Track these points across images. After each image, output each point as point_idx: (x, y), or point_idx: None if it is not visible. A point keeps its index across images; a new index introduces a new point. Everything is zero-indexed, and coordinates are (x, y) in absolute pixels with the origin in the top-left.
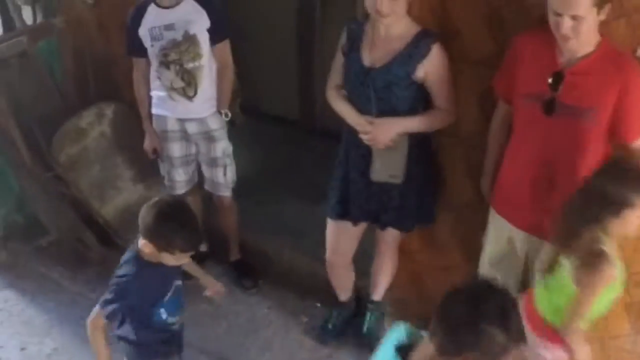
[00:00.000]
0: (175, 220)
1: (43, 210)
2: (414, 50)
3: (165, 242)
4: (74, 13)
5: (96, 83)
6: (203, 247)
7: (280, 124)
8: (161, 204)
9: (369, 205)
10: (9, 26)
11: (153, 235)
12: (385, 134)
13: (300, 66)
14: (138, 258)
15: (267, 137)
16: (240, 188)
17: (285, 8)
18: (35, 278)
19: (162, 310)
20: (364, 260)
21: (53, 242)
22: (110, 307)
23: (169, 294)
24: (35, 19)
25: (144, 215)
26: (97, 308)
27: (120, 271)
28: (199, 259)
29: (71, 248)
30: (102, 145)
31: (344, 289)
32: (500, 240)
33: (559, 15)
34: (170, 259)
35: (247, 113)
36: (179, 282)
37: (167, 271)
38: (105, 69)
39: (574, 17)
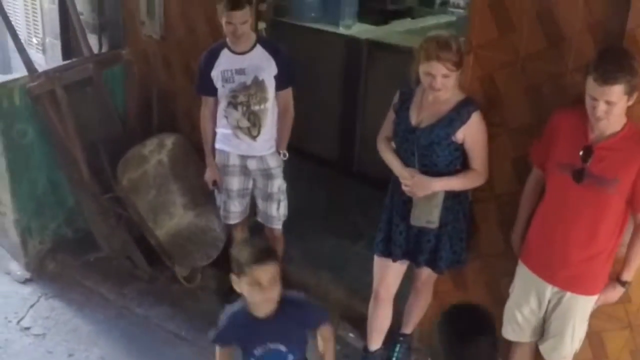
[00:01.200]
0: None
1: (97, 227)
2: (456, 116)
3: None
4: (140, 46)
5: (158, 114)
6: None
7: (320, 164)
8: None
9: (408, 246)
10: (67, 52)
11: (235, 261)
12: (422, 189)
13: (343, 112)
14: (245, 307)
15: (307, 175)
16: (284, 222)
17: (333, 55)
18: (82, 291)
19: None
20: (396, 300)
21: (101, 258)
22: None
23: (259, 351)
24: (100, 48)
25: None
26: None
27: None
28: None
29: (119, 265)
30: (160, 173)
31: (379, 331)
32: (525, 289)
33: (595, 99)
34: (242, 288)
35: (289, 151)
36: (280, 348)
37: (262, 328)
38: (166, 101)
39: (608, 102)
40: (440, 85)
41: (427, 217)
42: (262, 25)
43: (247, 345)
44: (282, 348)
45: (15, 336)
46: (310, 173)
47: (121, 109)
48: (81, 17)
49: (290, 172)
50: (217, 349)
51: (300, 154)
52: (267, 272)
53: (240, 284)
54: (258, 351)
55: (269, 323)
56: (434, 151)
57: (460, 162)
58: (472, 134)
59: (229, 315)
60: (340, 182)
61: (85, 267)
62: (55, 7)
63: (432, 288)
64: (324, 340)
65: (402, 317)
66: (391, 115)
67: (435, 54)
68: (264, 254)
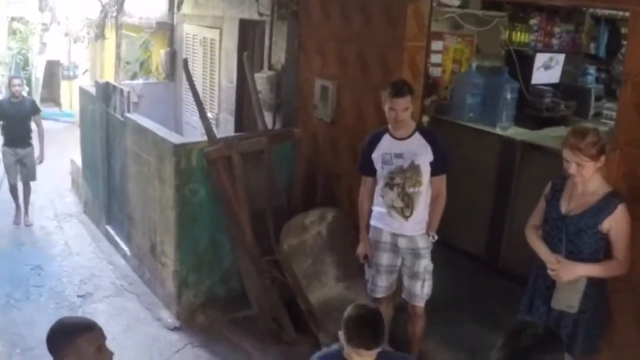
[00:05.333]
0: (363, 320)
1: (251, 287)
2: (604, 206)
3: (347, 334)
4: (311, 127)
5: (321, 190)
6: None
7: (466, 258)
8: (360, 305)
9: None
10: (239, 129)
11: (343, 325)
12: (568, 273)
13: (493, 209)
14: (339, 353)
15: (454, 266)
16: (427, 303)
17: (488, 153)
18: (227, 345)
19: None
20: None
21: (249, 317)
22: None
23: None
24: (274, 125)
25: (348, 309)
26: None
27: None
28: None
29: (265, 326)
30: (317, 243)
31: None
32: None
33: None
34: (351, 354)
35: (437, 242)
36: None
37: None
38: (330, 179)
39: None
40: (575, 171)
41: (568, 301)
42: (425, 119)
43: None
44: None
45: None
46: (457, 265)
47: (287, 182)
48: (259, 95)
49: (438, 261)
50: None
51: (448, 247)
52: (372, 355)
53: (346, 345)
54: None
55: None
56: (581, 238)
57: (603, 252)
58: (617, 224)
59: (321, 357)
60: (484, 275)
61: (233, 324)
62: (232, 86)
63: None
64: None
65: None
66: (542, 204)
67: (569, 142)
68: (374, 343)
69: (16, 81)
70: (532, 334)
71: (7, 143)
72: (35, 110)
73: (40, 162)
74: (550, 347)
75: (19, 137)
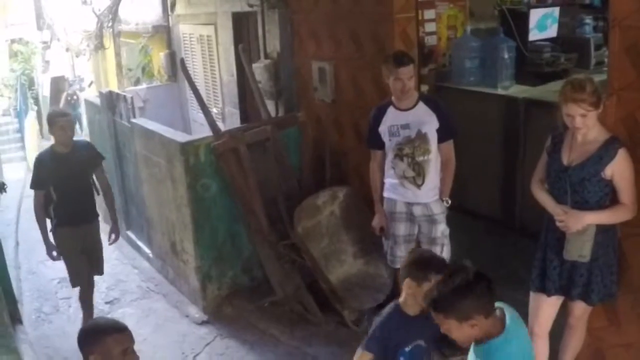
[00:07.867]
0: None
1: (273, 273)
2: (604, 153)
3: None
4: (313, 109)
5: (330, 170)
6: None
7: (482, 221)
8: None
9: (561, 281)
10: (245, 120)
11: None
12: (576, 223)
13: (504, 169)
14: (397, 307)
15: (471, 231)
16: None
17: (492, 114)
18: (255, 332)
19: (402, 359)
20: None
21: (274, 303)
22: (369, 342)
23: (409, 347)
24: (277, 112)
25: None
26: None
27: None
28: None
29: (291, 309)
30: (332, 223)
31: None
32: None
33: None
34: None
35: (452, 208)
36: (422, 344)
37: (413, 326)
38: (337, 158)
39: None
40: (580, 124)
41: (580, 251)
42: (424, 88)
43: (398, 343)
44: (422, 344)
45: None
46: (474, 228)
47: (296, 166)
48: (259, 85)
49: (455, 226)
50: (364, 353)
51: (463, 211)
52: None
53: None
54: (408, 347)
55: (418, 321)
56: (585, 187)
57: (609, 199)
58: (619, 169)
59: (385, 318)
60: (502, 236)
61: (259, 311)
62: (233, 79)
63: (585, 325)
64: None
65: (558, 356)
66: (544, 158)
67: (571, 97)
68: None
69: (62, 121)
70: (463, 277)
71: (62, 221)
72: (97, 159)
73: (116, 239)
74: (476, 290)
75: (80, 208)
